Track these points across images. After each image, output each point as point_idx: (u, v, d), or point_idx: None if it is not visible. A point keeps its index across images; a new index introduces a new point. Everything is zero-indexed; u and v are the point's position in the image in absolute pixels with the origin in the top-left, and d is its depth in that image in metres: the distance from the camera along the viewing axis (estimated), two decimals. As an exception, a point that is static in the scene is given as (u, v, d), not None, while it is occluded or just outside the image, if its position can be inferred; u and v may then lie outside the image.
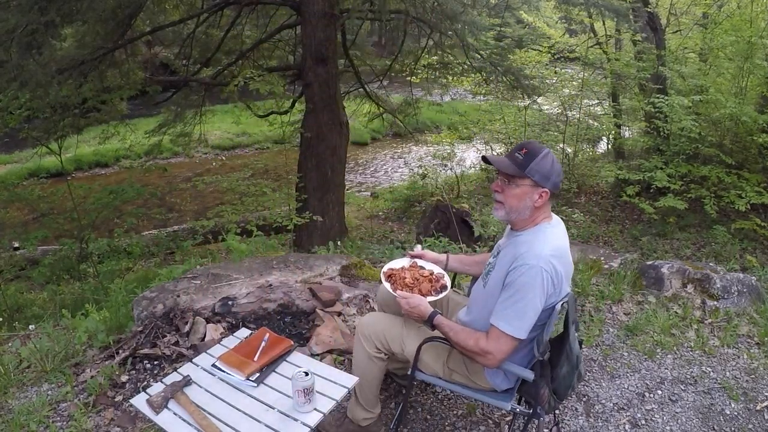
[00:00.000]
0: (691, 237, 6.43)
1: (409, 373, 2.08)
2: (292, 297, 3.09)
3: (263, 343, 1.97)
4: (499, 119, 9.42)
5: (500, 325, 1.75)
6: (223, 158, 12.66)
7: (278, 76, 6.08)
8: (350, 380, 1.86)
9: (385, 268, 2.21)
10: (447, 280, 2.18)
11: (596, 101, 9.51)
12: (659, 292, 3.54)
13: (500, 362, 1.80)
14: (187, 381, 1.81)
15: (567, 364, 1.90)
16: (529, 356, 1.92)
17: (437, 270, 2.22)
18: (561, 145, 8.87)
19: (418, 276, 2.16)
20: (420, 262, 2.26)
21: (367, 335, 2.07)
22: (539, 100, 8.59)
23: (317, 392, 1.73)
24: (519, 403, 2.14)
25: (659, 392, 2.71)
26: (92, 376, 2.62)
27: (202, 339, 2.80)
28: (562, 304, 1.82)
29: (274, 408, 1.72)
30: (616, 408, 2.59)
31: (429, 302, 1.98)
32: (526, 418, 2.05)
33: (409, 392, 2.21)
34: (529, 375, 1.87)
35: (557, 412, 2.49)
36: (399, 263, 2.25)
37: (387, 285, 2.10)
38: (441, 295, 2.09)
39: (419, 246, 2.33)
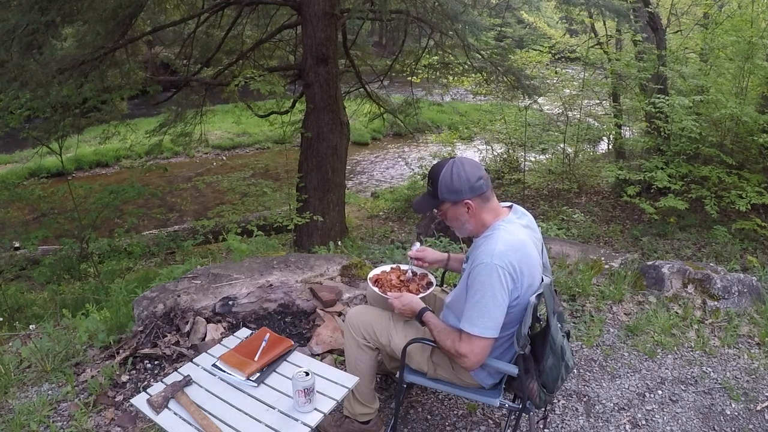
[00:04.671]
0: (692, 237, 6.42)
1: (398, 375, 2.10)
2: (292, 297, 3.09)
3: (264, 343, 1.97)
4: (500, 119, 9.43)
5: (466, 328, 1.78)
6: (224, 158, 12.67)
7: (279, 76, 6.08)
8: (351, 380, 1.86)
9: (371, 274, 2.28)
10: (431, 277, 2.26)
11: (597, 101, 9.52)
12: (660, 292, 3.54)
13: (477, 364, 1.82)
14: (188, 381, 1.81)
15: (552, 356, 1.91)
16: (512, 351, 1.94)
17: (419, 270, 2.30)
18: (561, 145, 8.88)
19: (403, 277, 2.26)
20: (403, 266, 2.34)
21: (356, 325, 2.11)
22: (540, 100, 8.58)
23: (318, 392, 1.73)
24: (513, 400, 2.15)
25: (660, 392, 2.71)
26: (93, 376, 2.62)
27: (203, 339, 2.80)
28: (538, 296, 1.83)
29: (274, 408, 1.72)
30: (616, 408, 2.58)
31: (421, 297, 2.07)
32: (516, 413, 2.06)
33: (400, 394, 2.22)
34: (513, 370, 1.88)
35: (548, 406, 2.49)
36: (381, 269, 2.34)
37: (375, 289, 2.17)
38: (429, 291, 2.16)
39: (418, 244, 2.35)
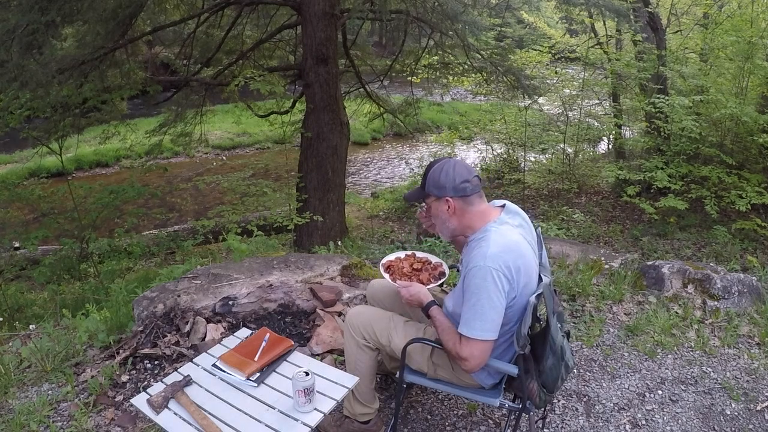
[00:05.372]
0: (692, 237, 6.42)
1: (398, 375, 2.10)
2: (292, 297, 3.09)
3: (264, 343, 1.97)
4: (500, 119, 9.43)
5: (464, 331, 1.78)
6: (224, 158, 12.67)
7: (279, 76, 6.08)
8: (351, 380, 1.86)
9: (384, 260, 2.26)
10: (445, 267, 2.23)
11: (597, 101, 9.52)
12: (660, 292, 3.54)
13: (479, 366, 1.82)
14: (188, 381, 1.81)
15: (552, 356, 1.91)
16: (511, 351, 1.94)
17: (435, 259, 2.27)
18: (561, 145, 8.88)
19: (417, 266, 2.22)
20: (419, 254, 2.30)
21: (355, 325, 2.12)
22: (540, 100, 8.59)
23: (318, 392, 1.73)
24: (513, 400, 2.15)
25: (660, 392, 2.71)
26: (93, 376, 2.62)
27: (203, 339, 2.80)
28: (537, 296, 1.83)
29: (274, 408, 1.72)
30: (616, 408, 2.59)
31: (429, 288, 2.05)
32: (516, 413, 2.06)
33: (399, 394, 2.23)
34: (513, 370, 1.88)
35: (548, 406, 2.49)
36: (395, 255, 2.30)
37: (386, 276, 2.15)
38: (440, 281, 2.15)
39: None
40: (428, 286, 2.06)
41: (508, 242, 1.80)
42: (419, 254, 2.30)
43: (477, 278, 1.75)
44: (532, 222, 2.05)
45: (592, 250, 4.33)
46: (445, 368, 2.02)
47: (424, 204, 2.00)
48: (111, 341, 2.85)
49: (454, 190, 1.86)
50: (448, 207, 1.88)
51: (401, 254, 2.30)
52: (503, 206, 1.96)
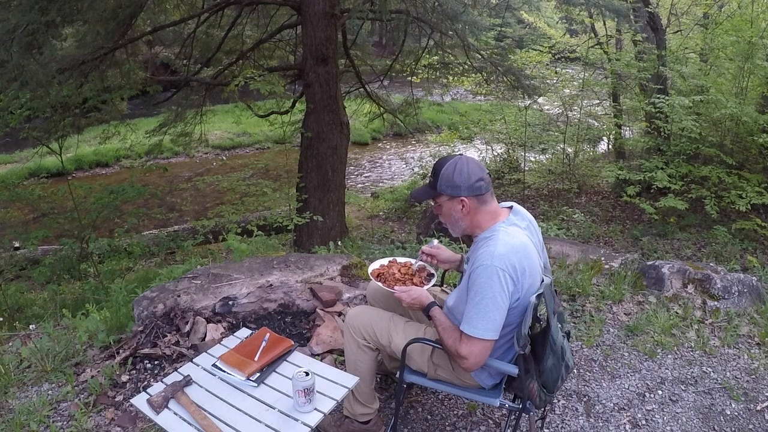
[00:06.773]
0: (692, 237, 6.43)
1: (398, 375, 2.11)
2: (292, 297, 3.09)
3: (264, 343, 1.97)
4: (500, 119, 9.43)
5: (466, 329, 1.78)
6: (224, 158, 12.67)
7: (279, 76, 6.08)
8: (351, 380, 1.87)
9: (370, 269, 2.27)
10: (430, 268, 2.26)
11: (597, 101, 9.52)
12: (660, 292, 3.54)
13: (477, 365, 1.82)
14: (188, 381, 1.81)
15: (552, 356, 1.91)
16: (512, 351, 1.94)
17: (417, 263, 2.29)
18: (561, 145, 8.88)
19: (404, 270, 2.26)
20: (400, 259, 2.34)
21: (355, 326, 2.12)
22: (540, 100, 8.59)
23: (318, 392, 1.73)
24: (513, 400, 2.15)
25: (660, 392, 2.71)
26: (93, 376, 2.62)
27: (203, 339, 2.80)
28: (538, 296, 1.83)
29: (274, 408, 1.72)
30: (616, 408, 2.58)
31: (426, 290, 2.06)
32: (516, 413, 2.06)
33: (399, 394, 2.23)
34: (513, 370, 1.88)
35: (548, 406, 2.49)
36: (379, 263, 2.33)
37: (380, 284, 2.16)
38: (431, 283, 2.16)
39: (435, 241, 2.32)
40: (424, 287, 2.07)
41: (515, 243, 1.79)
42: (400, 259, 2.33)
43: (483, 277, 1.75)
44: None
45: (592, 250, 4.33)
46: (445, 368, 2.02)
47: (433, 204, 1.97)
48: (111, 341, 2.85)
49: (469, 189, 1.83)
50: (463, 206, 1.86)
51: (384, 261, 2.33)
52: (511, 207, 1.95)
